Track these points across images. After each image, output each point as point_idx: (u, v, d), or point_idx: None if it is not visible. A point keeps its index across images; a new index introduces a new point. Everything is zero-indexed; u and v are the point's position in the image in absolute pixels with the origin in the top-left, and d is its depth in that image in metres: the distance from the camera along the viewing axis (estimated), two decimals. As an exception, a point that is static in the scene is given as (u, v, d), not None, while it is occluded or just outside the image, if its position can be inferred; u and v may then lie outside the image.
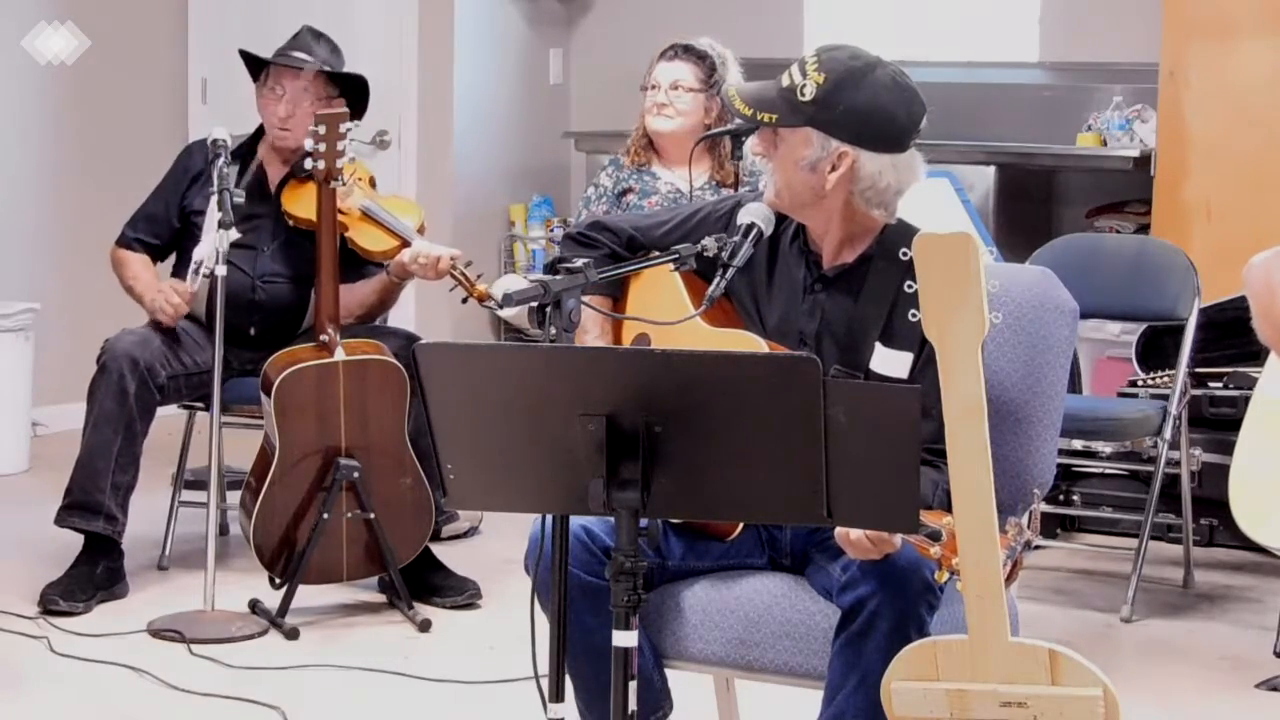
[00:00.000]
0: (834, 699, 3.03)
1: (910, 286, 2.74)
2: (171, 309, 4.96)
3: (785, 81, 3.19)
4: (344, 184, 4.86)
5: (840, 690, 3.01)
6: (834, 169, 3.18)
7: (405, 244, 4.97)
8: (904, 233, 3.20)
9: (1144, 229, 6.29)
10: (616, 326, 3.48)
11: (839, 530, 2.91)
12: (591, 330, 3.43)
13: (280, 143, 5.14)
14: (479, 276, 4.94)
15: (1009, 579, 2.75)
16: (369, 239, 4.99)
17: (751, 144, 3.28)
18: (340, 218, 4.89)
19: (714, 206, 3.41)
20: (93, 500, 4.87)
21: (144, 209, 5.26)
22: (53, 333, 6.61)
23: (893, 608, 2.94)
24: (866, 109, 3.15)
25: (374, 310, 5.16)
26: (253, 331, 5.10)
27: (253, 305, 5.09)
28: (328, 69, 5.11)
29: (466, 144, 7.47)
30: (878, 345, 3.19)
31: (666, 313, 3.28)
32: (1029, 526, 2.81)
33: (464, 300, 4.94)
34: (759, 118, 3.20)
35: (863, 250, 3.26)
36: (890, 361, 3.18)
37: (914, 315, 2.71)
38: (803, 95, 3.16)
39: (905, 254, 2.69)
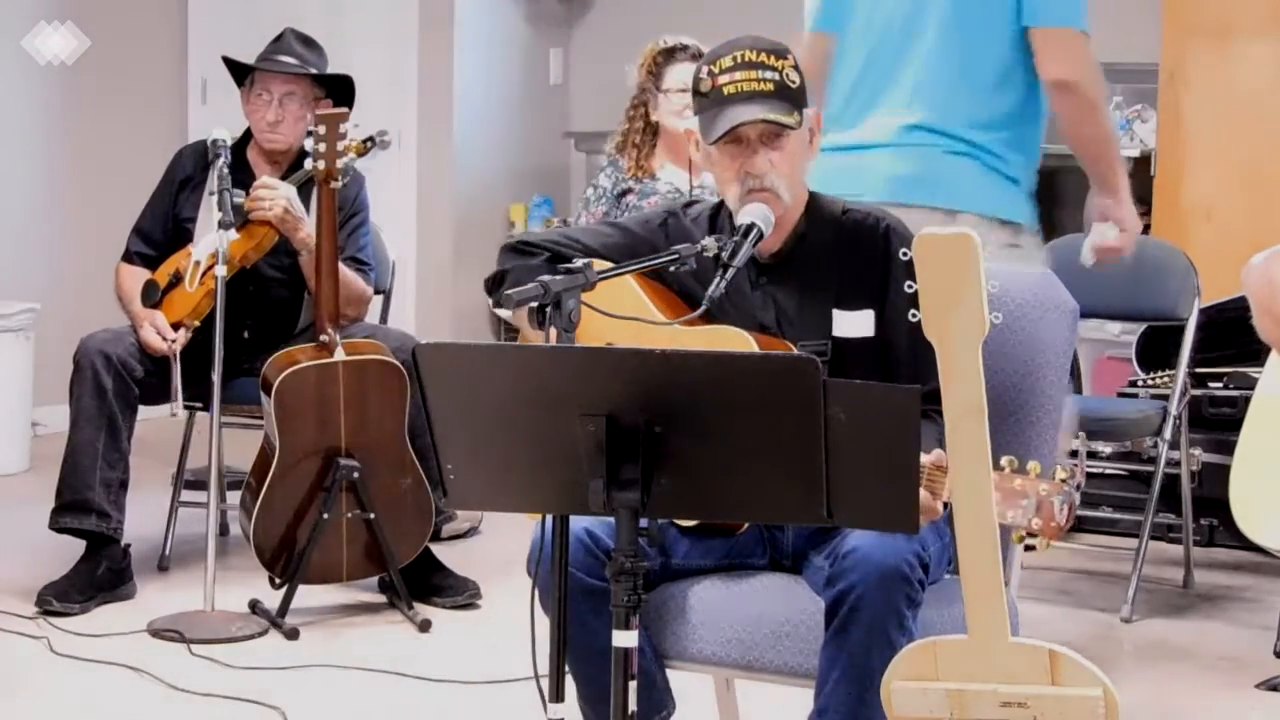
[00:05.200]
0: (821, 693, 3.03)
1: (911, 286, 2.73)
2: (156, 349, 4.92)
3: (770, 85, 3.19)
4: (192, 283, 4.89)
5: (825, 685, 3.02)
6: (813, 134, 3.29)
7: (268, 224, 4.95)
8: (825, 202, 3.29)
9: (1144, 229, 6.29)
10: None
11: None
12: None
13: (271, 145, 5.14)
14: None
15: (1067, 522, 2.73)
16: (252, 242, 4.95)
17: (763, 165, 3.20)
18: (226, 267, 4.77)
19: (660, 216, 3.41)
20: (82, 499, 4.86)
21: (139, 221, 5.24)
22: (53, 333, 6.61)
23: (870, 601, 2.94)
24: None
25: (352, 299, 5.03)
26: (247, 335, 5.10)
27: (246, 307, 5.08)
28: (314, 72, 5.12)
29: (466, 144, 7.47)
30: (835, 312, 3.22)
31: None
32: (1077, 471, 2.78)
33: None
34: (792, 121, 3.19)
35: (792, 229, 3.28)
36: (853, 323, 3.21)
37: (914, 315, 2.71)
38: (792, 83, 3.21)
39: (905, 254, 2.68)
